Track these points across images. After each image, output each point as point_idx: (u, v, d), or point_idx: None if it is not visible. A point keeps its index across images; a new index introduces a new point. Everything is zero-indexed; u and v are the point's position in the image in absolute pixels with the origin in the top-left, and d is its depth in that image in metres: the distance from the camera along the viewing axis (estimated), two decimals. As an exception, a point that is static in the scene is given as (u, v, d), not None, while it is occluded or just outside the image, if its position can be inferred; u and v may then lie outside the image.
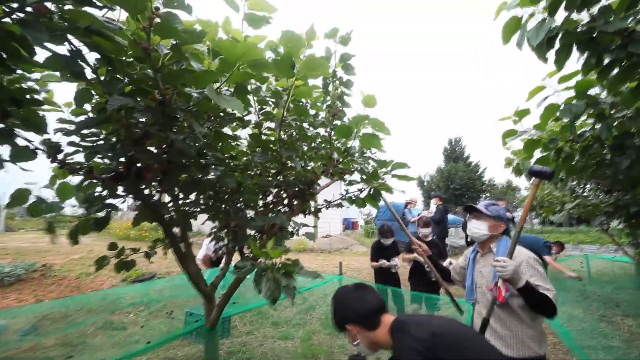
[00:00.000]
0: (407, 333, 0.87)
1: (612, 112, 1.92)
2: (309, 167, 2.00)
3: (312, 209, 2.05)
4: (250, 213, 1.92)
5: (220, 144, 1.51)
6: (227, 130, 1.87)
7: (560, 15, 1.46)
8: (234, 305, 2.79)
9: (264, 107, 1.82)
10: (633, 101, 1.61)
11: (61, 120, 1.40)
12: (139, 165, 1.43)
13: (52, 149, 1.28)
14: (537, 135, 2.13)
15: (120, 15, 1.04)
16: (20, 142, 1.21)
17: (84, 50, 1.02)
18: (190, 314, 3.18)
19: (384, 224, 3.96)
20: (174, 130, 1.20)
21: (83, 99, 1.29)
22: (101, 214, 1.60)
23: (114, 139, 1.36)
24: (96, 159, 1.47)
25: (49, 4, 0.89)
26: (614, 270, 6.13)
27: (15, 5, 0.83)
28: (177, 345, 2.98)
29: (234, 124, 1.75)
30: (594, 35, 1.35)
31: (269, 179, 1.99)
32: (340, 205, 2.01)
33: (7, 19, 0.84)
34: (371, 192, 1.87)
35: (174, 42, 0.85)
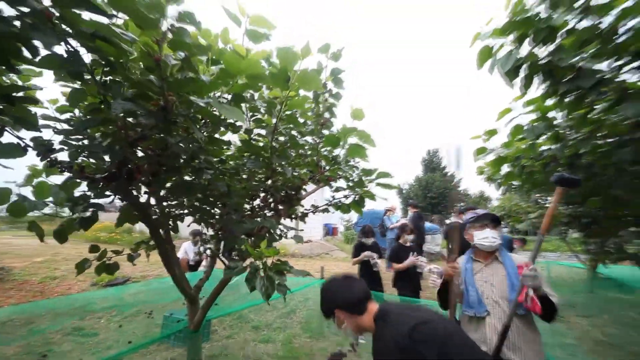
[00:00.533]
0: (388, 322, 0.93)
1: (568, 133, 2.18)
2: (295, 174, 2.09)
3: (299, 214, 2.13)
4: (236, 216, 1.97)
5: (213, 148, 1.56)
6: (216, 135, 1.92)
7: (525, 48, 1.67)
8: (215, 308, 2.78)
9: (255, 114, 1.88)
10: (583, 125, 1.85)
11: (45, 117, 1.39)
12: (129, 166, 1.45)
13: (43, 147, 1.28)
14: (504, 153, 2.35)
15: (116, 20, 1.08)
16: (8, 139, 1.20)
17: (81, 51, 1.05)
18: (170, 315, 3.12)
19: (365, 224, 4.10)
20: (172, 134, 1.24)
21: (77, 99, 1.30)
22: (87, 214, 1.58)
23: (108, 140, 1.38)
24: (81, 159, 1.47)
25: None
26: (571, 276, 6.67)
27: (26, 9, 0.85)
28: (154, 350, 2.90)
29: (225, 129, 1.80)
30: (552, 68, 1.56)
31: (256, 183, 2.05)
32: (326, 210, 2.10)
33: (17, 22, 0.86)
34: (356, 199, 1.97)
35: (183, 54, 0.91)
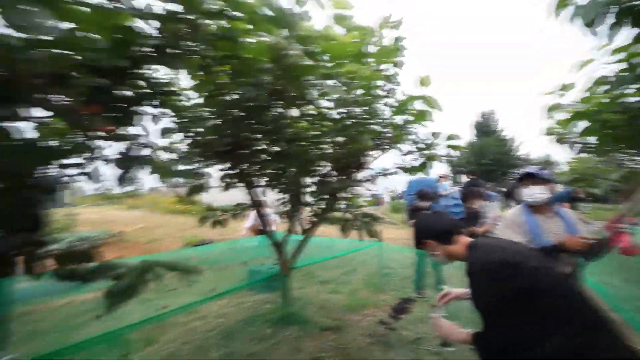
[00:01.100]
0: (480, 253, 1.07)
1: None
2: (367, 141, 2.30)
3: (369, 177, 2.37)
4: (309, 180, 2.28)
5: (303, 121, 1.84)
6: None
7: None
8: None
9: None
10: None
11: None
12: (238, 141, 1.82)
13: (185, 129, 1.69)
14: (582, 107, 2.25)
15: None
16: (165, 124, 1.62)
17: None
18: (253, 269, 3.77)
19: (422, 187, 4.10)
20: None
21: (203, 87, 1.66)
22: (199, 182, 2.02)
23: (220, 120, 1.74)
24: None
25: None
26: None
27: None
28: (244, 295, 3.56)
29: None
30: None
31: (331, 151, 2.32)
32: (395, 173, 2.30)
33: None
34: (424, 161, 2.14)
35: (307, 48, 1.15)
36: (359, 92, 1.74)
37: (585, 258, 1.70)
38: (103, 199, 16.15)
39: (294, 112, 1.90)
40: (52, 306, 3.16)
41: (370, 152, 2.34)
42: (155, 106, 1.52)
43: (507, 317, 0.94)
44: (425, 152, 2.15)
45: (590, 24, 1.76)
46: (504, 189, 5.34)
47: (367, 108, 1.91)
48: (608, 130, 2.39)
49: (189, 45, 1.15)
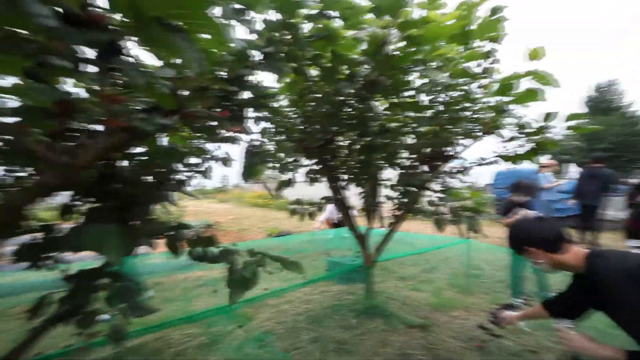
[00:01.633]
0: (612, 262, 0.95)
1: None
2: (457, 130, 2.11)
3: (462, 168, 2.18)
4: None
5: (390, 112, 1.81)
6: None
7: None
8: (360, 260, 3.22)
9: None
10: None
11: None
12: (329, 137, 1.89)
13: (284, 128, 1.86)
14: None
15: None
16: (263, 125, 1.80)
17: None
18: (332, 260, 3.91)
19: (520, 178, 3.48)
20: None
21: (294, 87, 1.78)
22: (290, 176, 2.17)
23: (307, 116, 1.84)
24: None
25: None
26: None
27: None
28: (324, 285, 3.72)
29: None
30: None
31: (417, 142, 2.21)
32: (494, 162, 2.06)
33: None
34: (533, 148, 1.85)
35: (409, 34, 1.13)
36: (455, 74, 1.60)
37: None
38: (200, 194, 19.19)
39: (380, 103, 1.88)
40: (175, 279, 3.89)
41: (462, 141, 2.14)
42: (257, 109, 1.70)
43: None
44: (534, 137, 1.85)
45: None
46: (635, 182, 4.19)
47: (462, 92, 1.74)
48: None
49: (289, 49, 1.25)
